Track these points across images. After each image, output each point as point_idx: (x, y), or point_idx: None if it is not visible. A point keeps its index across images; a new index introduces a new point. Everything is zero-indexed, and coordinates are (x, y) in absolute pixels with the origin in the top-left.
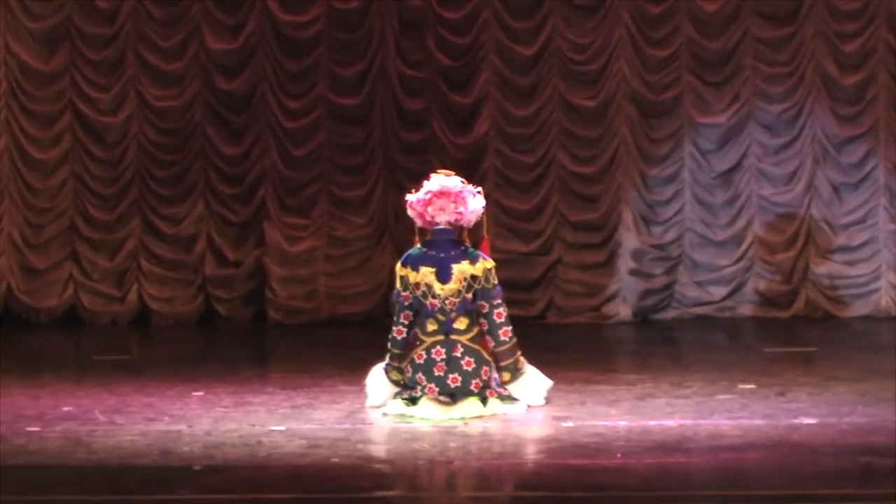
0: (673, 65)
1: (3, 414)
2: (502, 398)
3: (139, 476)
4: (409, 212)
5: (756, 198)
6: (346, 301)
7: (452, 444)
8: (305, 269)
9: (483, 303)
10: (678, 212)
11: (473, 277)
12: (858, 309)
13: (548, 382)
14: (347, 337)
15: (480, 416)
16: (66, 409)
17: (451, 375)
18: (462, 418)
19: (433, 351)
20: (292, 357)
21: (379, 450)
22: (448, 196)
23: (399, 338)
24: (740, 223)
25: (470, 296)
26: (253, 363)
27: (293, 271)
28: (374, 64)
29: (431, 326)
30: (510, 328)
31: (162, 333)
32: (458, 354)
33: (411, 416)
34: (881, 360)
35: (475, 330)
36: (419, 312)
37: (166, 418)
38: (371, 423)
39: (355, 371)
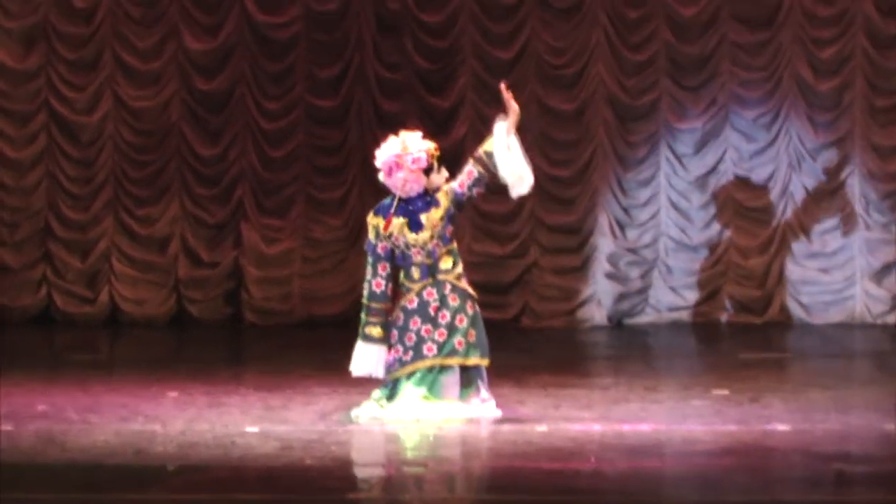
0: (650, 69)
1: None
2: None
3: (112, 475)
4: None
5: (731, 202)
6: (322, 302)
7: (426, 448)
8: (281, 271)
9: (464, 191)
10: (654, 216)
11: (441, 217)
12: (833, 315)
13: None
14: (322, 338)
15: (454, 420)
16: (39, 407)
17: (440, 313)
18: (435, 422)
19: (425, 293)
20: (267, 358)
21: (352, 452)
22: (397, 166)
23: (379, 291)
24: (715, 227)
25: (447, 225)
26: (227, 364)
27: (269, 273)
28: (352, 66)
29: (417, 273)
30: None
31: (134, 335)
32: (447, 291)
33: (383, 419)
34: (855, 367)
35: (459, 267)
36: (399, 261)
37: (140, 418)
38: (345, 426)
39: (330, 373)
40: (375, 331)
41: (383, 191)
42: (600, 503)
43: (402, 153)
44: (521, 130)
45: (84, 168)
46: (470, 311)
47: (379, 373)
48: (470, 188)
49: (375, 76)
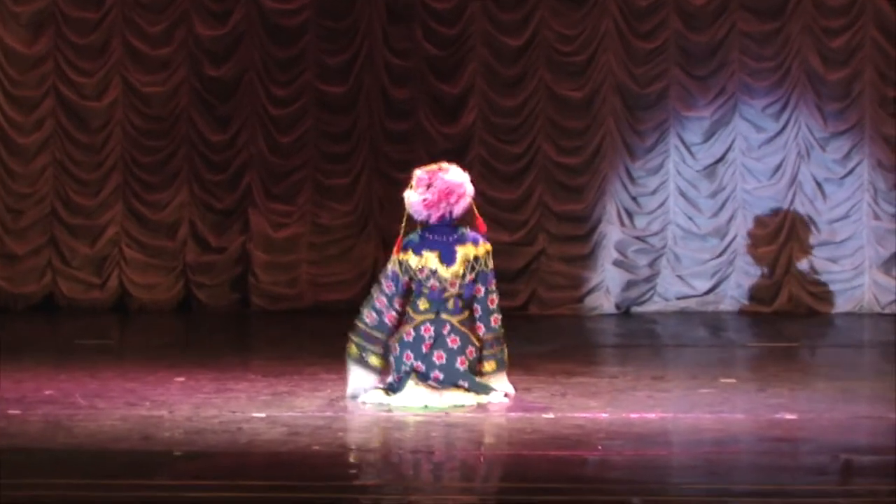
0: (659, 57)
1: None
2: (477, 390)
3: (119, 461)
4: (411, 209)
5: (740, 192)
6: (330, 289)
7: (433, 434)
8: (289, 256)
9: (480, 286)
10: (662, 204)
11: (476, 259)
12: (841, 305)
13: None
14: (330, 325)
15: (461, 407)
16: (47, 392)
17: (436, 352)
18: (442, 408)
19: (422, 328)
20: (274, 344)
21: (360, 438)
22: (452, 195)
23: (390, 324)
24: (724, 216)
25: (472, 276)
26: (235, 350)
27: (276, 258)
28: (361, 53)
29: (424, 305)
30: (500, 317)
31: (141, 320)
32: (445, 332)
33: (391, 406)
34: (863, 357)
35: (466, 313)
36: (411, 295)
37: (147, 404)
38: (352, 412)
39: (337, 359)
40: (376, 360)
41: (390, 178)
42: (607, 491)
43: (466, 188)
44: (531, 117)
45: (92, 154)
46: (471, 357)
47: (367, 398)
48: (477, 286)
49: (384, 63)
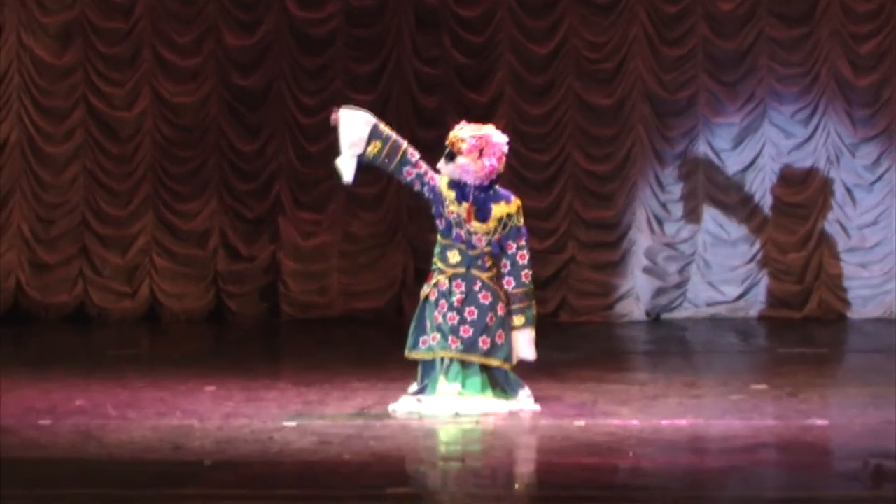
0: (688, 64)
1: (15, 407)
2: (507, 394)
3: (150, 471)
4: (466, 176)
5: (769, 198)
6: (359, 297)
7: (464, 442)
8: (318, 265)
9: (510, 242)
10: (692, 211)
11: (508, 216)
12: (871, 311)
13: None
14: (360, 334)
15: (492, 415)
16: (77, 403)
17: (467, 308)
18: (473, 416)
19: (454, 283)
20: (304, 353)
21: (390, 447)
22: (504, 158)
23: (409, 151)
24: (754, 223)
25: (498, 236)
26: (265, 359)
27: (306, 266)
28: (390, 61)
29: (454, 259)
30: (531, 272)
31: (172, 329)
32: (477, 289)
33: (421, 413)
34: (893, 362)
35: (495, 270)
36: (442, 231)
37: (178, 413)
38: (383, 420)
39: (367, 367)
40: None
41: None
42: (639, 499)
43: (504, 149)
44: (560, 125)
45: (122, 164)
46: (500, 312)
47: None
48: (507, 242)
49: (413, 71)
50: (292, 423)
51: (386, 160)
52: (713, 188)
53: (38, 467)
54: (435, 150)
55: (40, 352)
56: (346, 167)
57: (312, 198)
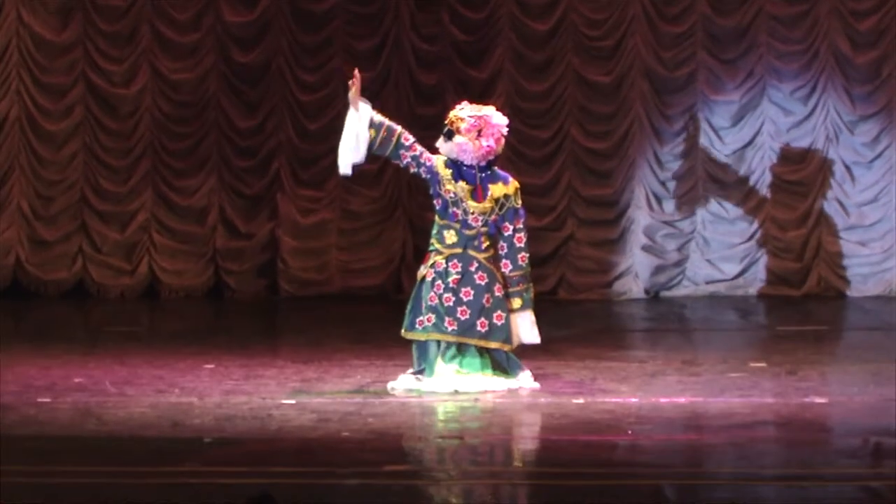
0: (687, 41)
1: (14, 384)
2: (507, 374)
3: (149, 447)
4: (464, 155)
5: (769, 175)
6: (359, 275)
7: (463, 419)
8: (317, 242)
9: (507, 224)
10: (691, 188)
11: (506, 196)
12: (870, 288)
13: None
14: (359, 311)
15: (491, 392)
16: (76, 380)
17: (463, 288)
18: (472, 393)
19: (450, 263)
20: (303, 331)
21: (389, 424)
22: (503, 139)
23: (399, 132)
24: (753, 201)
25: (495, 217)
26: (264, 336)
27: (305, 243)
28: (389, 38)
29: (451, 239)
30: (527, 255)
31: (171, 306)
32: (473, 269)
33: (420, 391)
34: (893, 339)
35: (491, 251)
36: (439, 211)
37: (177, 390)
38: (381, 398)
39: (366, 345)
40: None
41: None
42: (638, 475)
43: (503, 130)
44: (559, 102)
45: (122, 140)
46: (498, 293)
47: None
48: (504, 224)
49: (412, 48)
50: (291, 401)
51: (381, 147)
52: (712, 166)
53: (37, 444)
54: (434, 126)
55: (39, 328)
56: (346, 163)
57: (311, 175)
